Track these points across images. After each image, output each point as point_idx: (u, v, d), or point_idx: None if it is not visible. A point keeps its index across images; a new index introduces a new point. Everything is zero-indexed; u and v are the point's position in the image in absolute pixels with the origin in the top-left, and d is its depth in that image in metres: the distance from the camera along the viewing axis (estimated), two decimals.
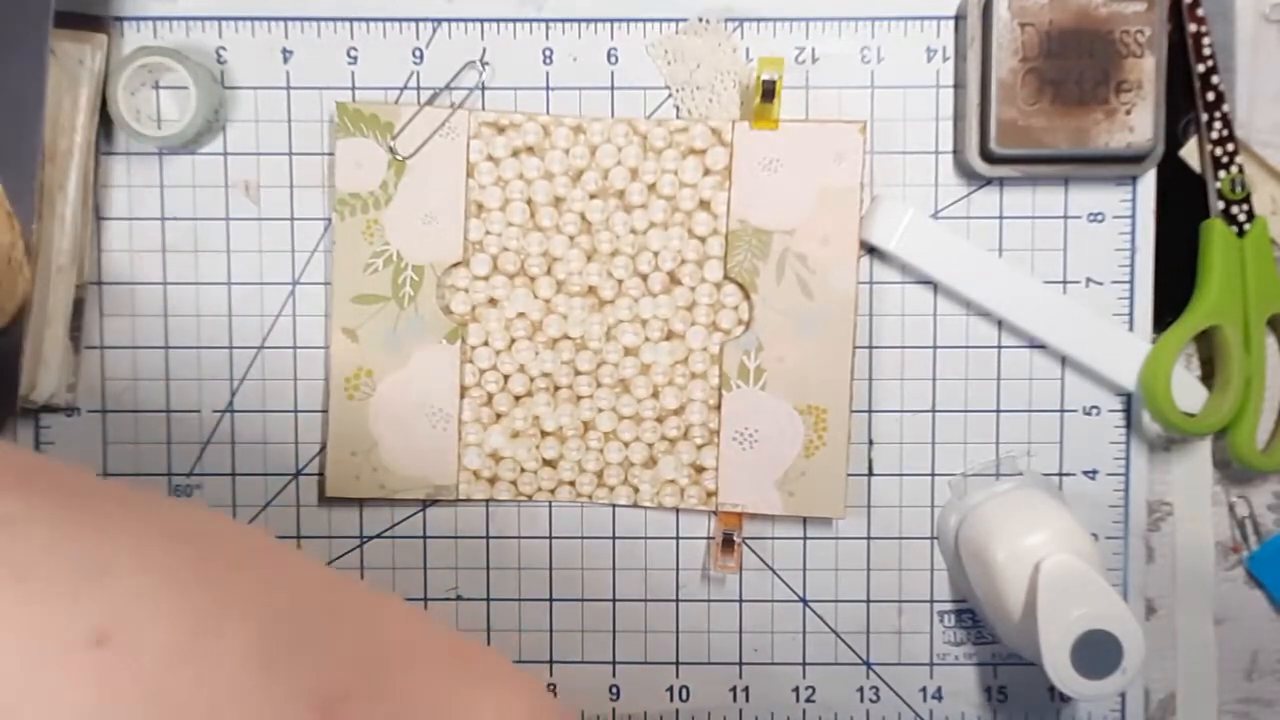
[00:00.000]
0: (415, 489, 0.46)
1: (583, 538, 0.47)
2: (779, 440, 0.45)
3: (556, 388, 0.46)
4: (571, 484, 0.46)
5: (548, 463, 0.46)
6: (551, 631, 0.47)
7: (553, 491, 0.46)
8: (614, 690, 0.47)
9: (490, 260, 0.45)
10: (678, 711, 0.47)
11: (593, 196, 0.45)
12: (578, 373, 0.46)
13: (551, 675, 0.47)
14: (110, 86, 0.43)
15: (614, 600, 0.47)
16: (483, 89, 0.45)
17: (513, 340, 0.46)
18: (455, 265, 0.45)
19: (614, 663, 0.47)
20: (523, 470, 0.46)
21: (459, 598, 0.47)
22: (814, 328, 0.45)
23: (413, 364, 0.45)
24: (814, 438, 0.45)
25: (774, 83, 0.43)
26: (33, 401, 0.44)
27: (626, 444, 0.46)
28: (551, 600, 0.47)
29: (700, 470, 0.46)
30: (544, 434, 0.46)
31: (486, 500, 0.46)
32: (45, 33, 0.41)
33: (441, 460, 0.46)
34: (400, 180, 0.45)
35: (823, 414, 0.45)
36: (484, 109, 0.45)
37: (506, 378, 0.46)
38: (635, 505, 0.46)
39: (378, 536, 0.47)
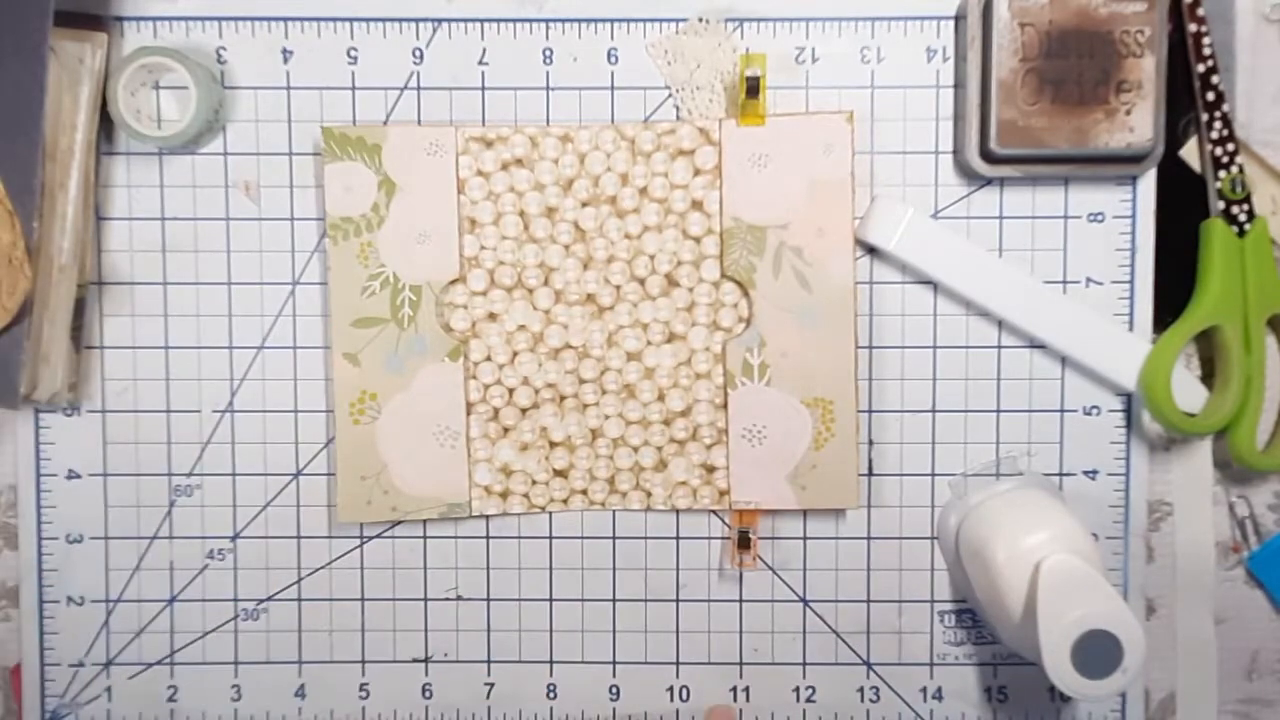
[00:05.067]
0: (428, 509, 0.46)
1: (583, 538, 0.47)
2: (788, 434, 0.45)
3: (562, 397, 0.46)
4: (584, 493, 0.46)
5: (559, 473, 0.46)
6: (551, 631, 0.47)
7: (565, 501, 0.46)
8: (614, 690, 0.47)
9: (487, 275, 0.45)
10: (678, 711, 0.47)
11: (585, 204, 0.45)
12: (582, 381, 0.46)
13: (551, 675, 0.47)
14: (110, 86, 0.43)
15: (614, 600, 0.47)
16: (483, 89, 0.45)
17: (515, 353, 0.46)
18: (452, 283, 0.45)
19: (614, 663, 0.47)
20: (534, 482, 0.46)
21: (459, 598, 0.47)
22: (815, 320, 0.45)
23: (416, 384, 0.45)
24: (822, 430, 0.45)
25: (758, 79, 0.43)
26: (35, 400, 0.44)
27: (635, 449, 0.46)
28: (551, 600, 0.47)
29: (711, 470, 0.46)
30: (553, 444, 0.46)
31: (501, 514, 0.46)
32: (45, 31, 0.41)
33: (452, 478, 0.46)
34: (391, 201, 0.45)
35: (829, 405, 0.45)
36: (483, 120, 0.45)
37: (511, 391, 0.46)
38: (649, 509, 0.46)
39: (378, 537, 0.47)
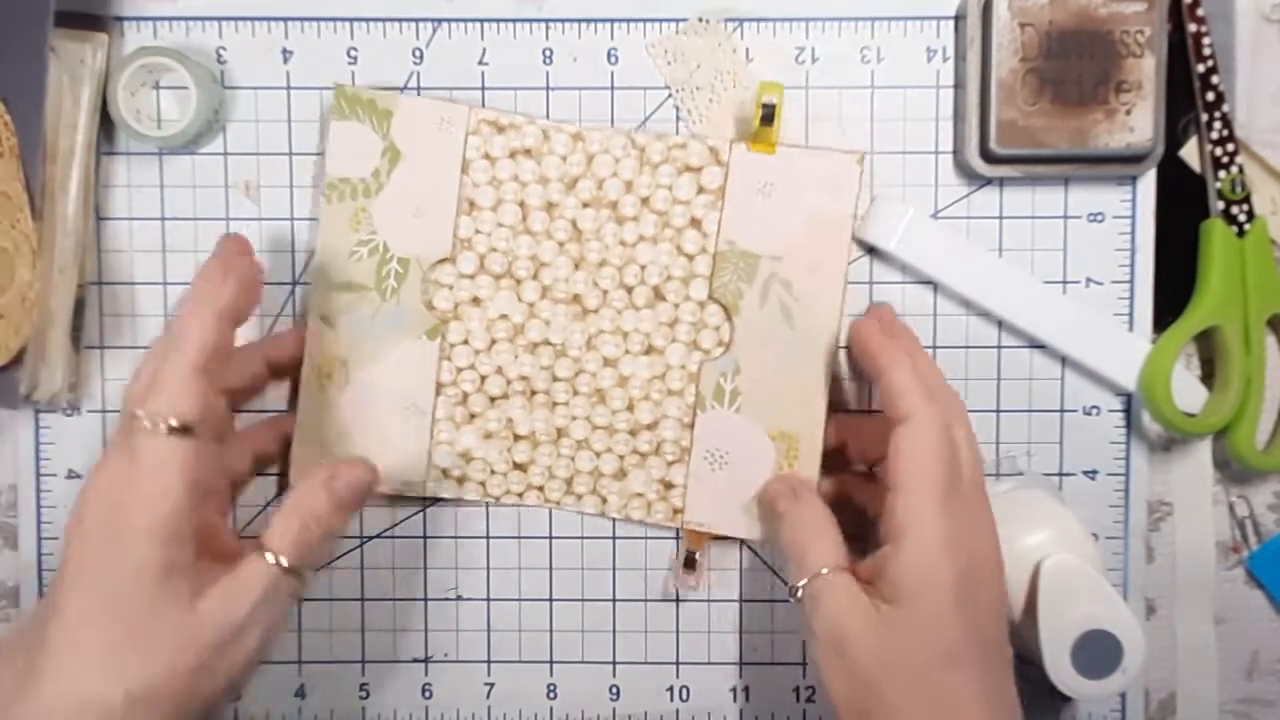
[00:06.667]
0: (383, 483, 0.45)
1: (583, 538, 0.47)
2: (749, 464, 0.45)
3: (533, 392, 0.45)
4: (540, 489, 0.46)
5: (518, 466, 0.46)
6: (551, 631, 0.47)
7: (520, 495, 0.46)
8: (614, 690, 0.47)
9: (477, 259, 0.45)
10: (678, 711, 0.47)
11: (585, 205, 0.45)
12: (555, 379, 0.45)
13: (551, 675, 0.47)
14: (110, 86, 0.43)
15: (614, 600, 0.47)
16: (483, 89, 0.45)
17: (493, 341, 0.45)
18: (441, 261, 0.45)
19: (614, 663, 0.47)
20: (492, 472, 0.46)
21: (459, 598, 0.47)
22: (793, 355, 0.44)
23: (390, 357, 0.45)
24: (784, 465, 0.45)
25: (774, 107, 0.42)
26: (35, 400, 0.44)
27: (598, 454, 0.45)
28: (551, 600, 0.47)
29: (669, 486, 0.45)
30: (517, 437, 0.46)
31: (456, 500, 0.46)
32: (45, 32, 0.41)
33: (411, 457, 0.45)
34: (393, 170, 0.44)
35: (795, 441, 0.44)
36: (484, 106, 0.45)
37: (484, 378, 0.45)
38: (601, 515, 0.46)
39: (378, 536, 0.47)
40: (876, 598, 0.37)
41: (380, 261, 0.44)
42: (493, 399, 0.45)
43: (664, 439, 0.45)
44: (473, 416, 0.45)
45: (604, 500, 0.46)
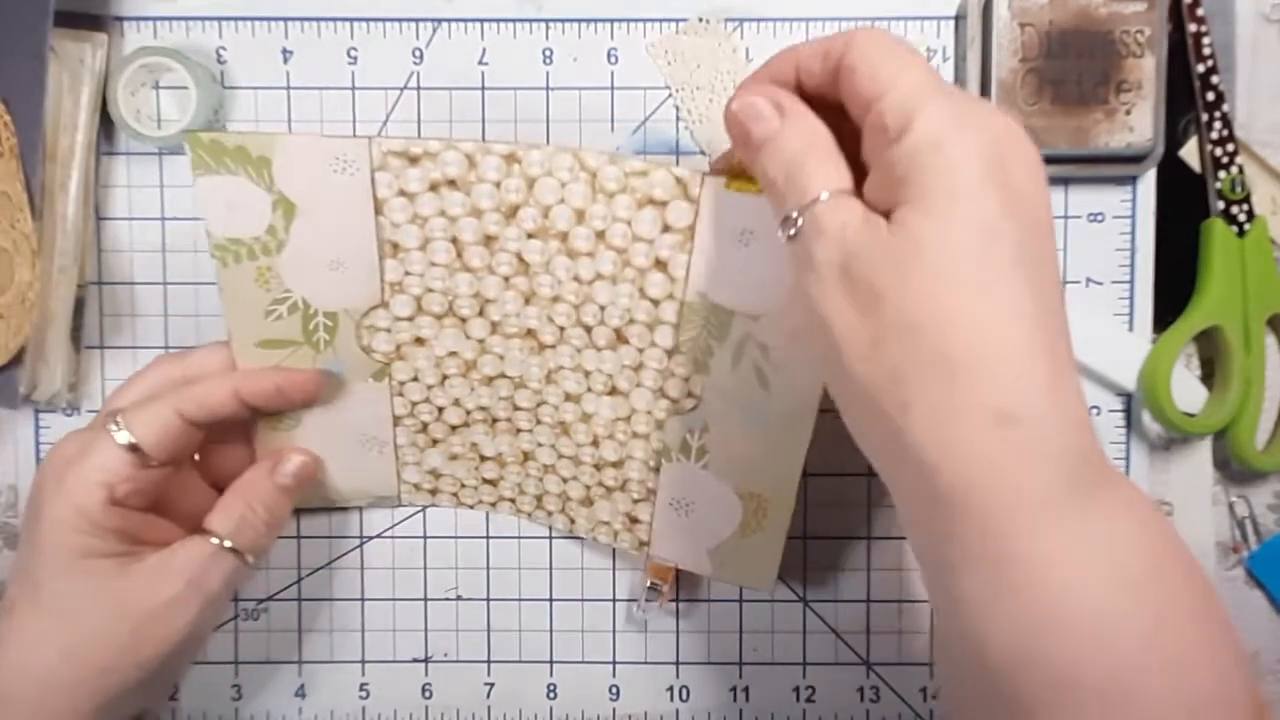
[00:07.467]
0: (356, 500, 0.45)
1: (583, 538, 0.47)
2: (715, 517, 0.42)
3: (495, 420, 0.43)
4: (512, 500, 0.45)
5: (488, 481, 0.45)
6: (551, 631, 0.47)
7: (493, 505, 0.46)
8: (614, 690, 0.47)
9: (413, 301, 0.41)
10: (678, 711, 0.47)
11: (530, 236, 0.39)
12: (516, 408, 0.43)
13: (551, 675, 0.47)
14: (110, 86, 0.43)
15: (613, 600, 0.47)
16: (483, 89, 0.45)
17: (445, 376, 0.42)
18: (373, 308, 0.41)
19: (614, 663, 0.47)
20: (463, 486, 0.45)
21: (459, 598, 0.47)
22: (767, 422, 0.40)
23: (338, 400, 0.43)
24: (751, 522, 0.42)
25: None
26: (35, 400, 0.44)
27: (565, 480, 0.44)
28: (551, 600, 0.47)
29: (635, 521, 0.44)
30: (483, 459, 0.45)
31: (431, 505, 0.46)
32: (45, 32, 0.41)
33: (379, 479, 0.45)
34: (291, 224, 0.39)
35: (764, 501, 0.41)
36: (483, 120, 0.45)
37: (441, 409, 0.43)
38: (570, 535, 0.46)
39: (378, 536, 0.47)
40: (884, 212, 0.29)
41: (304, 317, 0.41)
42: (454, 427, 0.44)
43: (630, 478, 0.43)
44: (435, 442, 0.44)
45: (572, 521, 0.45)
